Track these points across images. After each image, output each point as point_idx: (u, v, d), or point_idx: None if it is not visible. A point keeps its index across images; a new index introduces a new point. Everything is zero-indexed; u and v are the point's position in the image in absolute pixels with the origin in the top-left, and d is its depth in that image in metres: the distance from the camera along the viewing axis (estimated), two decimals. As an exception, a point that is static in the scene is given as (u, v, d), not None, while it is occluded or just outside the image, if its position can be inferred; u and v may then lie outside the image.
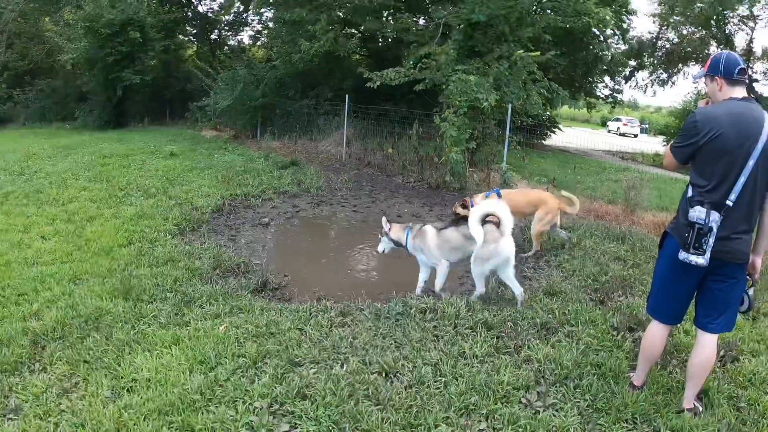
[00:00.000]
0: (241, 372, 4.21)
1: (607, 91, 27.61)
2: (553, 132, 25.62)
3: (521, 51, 12.59)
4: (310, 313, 5.31)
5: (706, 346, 3.75)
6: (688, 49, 26.20)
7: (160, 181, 10.42)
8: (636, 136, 41.72)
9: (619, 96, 27.59)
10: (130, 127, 21.91)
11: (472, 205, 6.44)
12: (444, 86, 12.44)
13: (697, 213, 3.40)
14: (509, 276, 5.54)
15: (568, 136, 24.05)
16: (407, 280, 6.64)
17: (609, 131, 43.98)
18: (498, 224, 5.47)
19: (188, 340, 4.61)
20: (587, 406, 3.89)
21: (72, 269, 6.07)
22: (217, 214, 8.88)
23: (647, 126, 47.75)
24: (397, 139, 14.28)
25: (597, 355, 4.56)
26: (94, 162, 12.14)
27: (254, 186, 10.55)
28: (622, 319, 5.27)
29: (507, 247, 5.39)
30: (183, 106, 22.38)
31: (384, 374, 4.21)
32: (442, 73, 12.62)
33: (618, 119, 45.24)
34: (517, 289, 5.57)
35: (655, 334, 3.93)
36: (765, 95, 24.83)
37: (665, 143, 27.14)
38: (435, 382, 4.08)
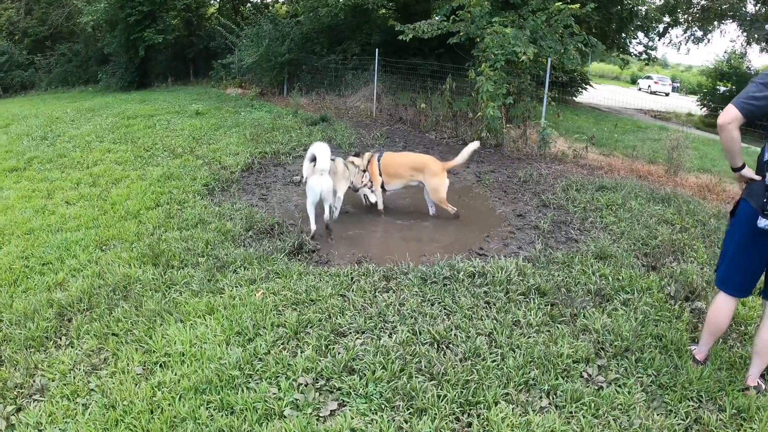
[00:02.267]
0: (282, 344, 3.86)
1: (640, 48, 26.16)
2: (585, 89, 24.52)
3: (559, 3, 11.69)
4: (352, 278, 4.95)
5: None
6: (725, 6, 24.40)
7: (186, 141, 10.01)
8: (667, 95, 39.69)
9: (653, 53, 26.11)
10: (154, 88, 21.54)
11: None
12: (479, 39, 11.78)
13: None
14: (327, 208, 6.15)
15: (598, 94, 23.10)
16: (451, 241, 6.22)
17: (639, 89, 42.22)
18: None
19: (223, 309, 4.25)
20: (651, 382, 3.62)
21: (98, 235, 5.74)
22: (246, 173, 8.46)
23: (678, 85, 45.72)
24: (429, 95, 13.64)
25: (656, 326, 4.28)
26: (118, 123, 11.79)
27: (284, 143, 10.07)
28: (677, 288, 4.97)
29: (316, 183, 5.94)
30: (206, 65, 21.79)
31: (436, 345, 3.87)
32: (477, 25, 11.84)
33: (649, 77, 43.23)
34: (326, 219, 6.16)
35: (722, 306, 3.69)
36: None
37: (699, 103, 25.67)
38: (491, 354, 3.77)
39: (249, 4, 26.78)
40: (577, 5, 11.53)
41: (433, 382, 3.45)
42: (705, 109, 24.19)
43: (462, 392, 3.35)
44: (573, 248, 6.05)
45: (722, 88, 24.93)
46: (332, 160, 6.31)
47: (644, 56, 25.97)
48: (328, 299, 4.50)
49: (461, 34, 11.99)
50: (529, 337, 4.01)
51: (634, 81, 44.93)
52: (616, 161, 11.31)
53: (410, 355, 3.72)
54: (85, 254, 5.28)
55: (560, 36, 11.94)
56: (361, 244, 6.10)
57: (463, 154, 6.89)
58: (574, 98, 23.74)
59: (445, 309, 4.40)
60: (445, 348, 3.85)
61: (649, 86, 42.12)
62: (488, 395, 3.32)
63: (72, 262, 5.11)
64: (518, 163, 10.80)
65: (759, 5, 23.22)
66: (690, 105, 26.91)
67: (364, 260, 5.64)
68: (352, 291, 4.66)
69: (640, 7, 22.08)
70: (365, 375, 3.49)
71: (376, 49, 14.01)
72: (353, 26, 17.00)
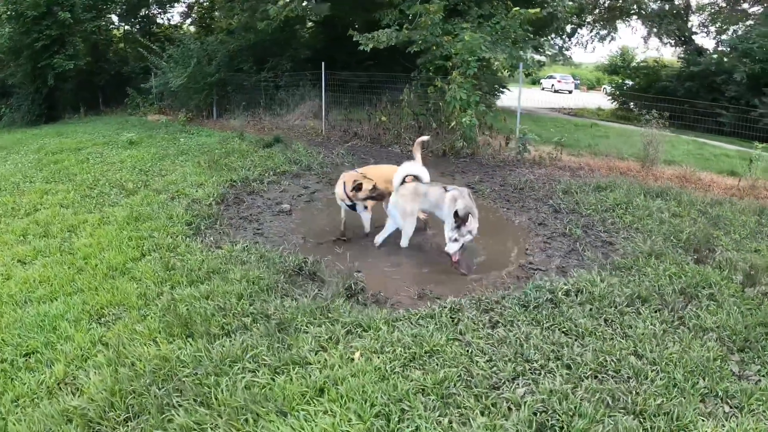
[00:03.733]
0: (440, 415, 2.89)
1: (554, 50, 27.08)
2: (502, 92, 24.83)
3: (517, 8, 11.44)
4: (452, 318, 4.09)
5: None
6: (630, 3, 25.86)
7: (133, 174, 8.37)
8: (570, 92, 41.50)
9: (568, 53, 27.18)
10: (65, 120, 18.61)
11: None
12: (434, 47, 11.31)
13: None
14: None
15: (509, 96, 23.64)
16: (493, 256, 5.89)
17: (543, 89, 43.85)
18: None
19: (334, 384, 3.02)
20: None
21: (86, 303, 4.26)
22: (222, 206, 7.09)
23: (579, 82, 48.24)
24: (384, 107, 12.81)
25: (753, 314, 4.37)
26: (43, 160, 9.75)
27: (248, 169, 8.72)
28: (742, 277, 5.14)
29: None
30: (118, 92, 19.32)
31: (595, 375, 3.40)
32: (432, 33, 11.25)
33: (552, 76, 44.95)
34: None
35: None
36: (704, 47, 25.08)
37: (609, 97, 26.87)
38: (652, 371, 3.50)
39: (155, 26, 24.41)
40: (538, 10, 11.31)
41: (632, 416, 3.02)
42: (615, 102, 25.28)
43: (665, 420, 3.01)
44: (616, 251, 6.07)
45: (629, 82, 26.16)
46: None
47: (560, 57, 26.84)
48: (445, 347, 3.59)
49: (420, 42, 11.31)
50: (665, 347, 3.81)
51: (535, 81, 46.77)
52: (591, 161, 11.16)
53: (588, 393, 3.20)
54: (80, 332, 3.81)
55: (513, 41, 11.72)
56: (401, 275, 5.30)
57: (416, 153, 6.56)
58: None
59: (569, 334, 3.98)
60: (608, 377, 3.42)
61: (553, 85, 43.37)
62: (686, 415, 3.03)
63: (67, 347, 3.64)
64: (500, 170, 10.27)
65: (662, 1, 24.74)
66: (598, 100, 28.11)
67: (425, 294, 4.79)
68: (460, 332, 3.86)
69: (558, 9, 22.74)
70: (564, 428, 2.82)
71: (323, 63, 12.93)
72: (281, 42, 15.81)
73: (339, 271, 4.92)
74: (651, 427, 2.95)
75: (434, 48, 11.36)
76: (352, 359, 3.41)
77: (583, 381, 3.31)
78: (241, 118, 14.00)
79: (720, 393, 3.31)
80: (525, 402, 3.00)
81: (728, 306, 4.46)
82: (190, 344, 3.55)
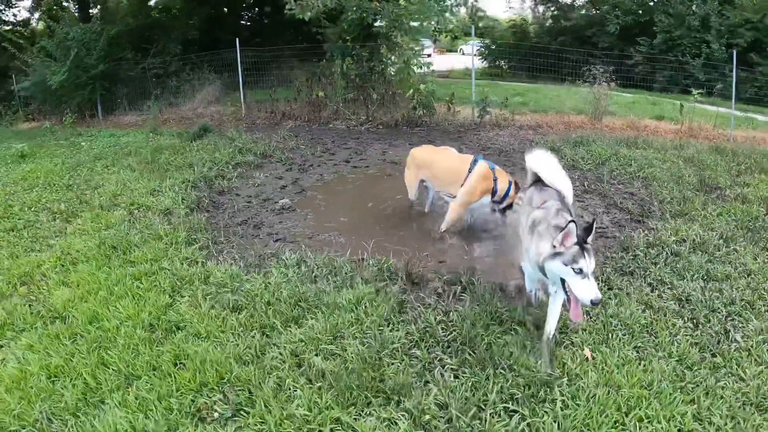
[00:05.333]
0: None
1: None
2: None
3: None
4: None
5: None
6: None
7: (53, 192, 6.24)
8: (429, 56, 41.93)
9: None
10: None
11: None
12: (365, 14, 10.09)
13: None
14: None
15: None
16: None
17: (463, 53, 44.01)
18: None
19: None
20: None
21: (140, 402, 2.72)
22: (201, 213, 5.49)
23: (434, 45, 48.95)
24: (295, 84, 11.40)
25: None
26: None
27: (200, 165, 6.98)
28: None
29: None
30: None
31: None
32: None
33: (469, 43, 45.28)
34: None
35: None
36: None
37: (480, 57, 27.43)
38: None
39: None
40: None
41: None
42: (485, 61, 25.88)
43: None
44: (644, 201, 6.08)
45: (484, 42, 26.84)
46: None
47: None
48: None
49: (355, 9, 10.04)
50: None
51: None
52: (542, 118, 10.89)
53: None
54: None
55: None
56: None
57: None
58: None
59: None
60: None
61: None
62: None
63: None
64: (466, 135, 9.61)
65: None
66: (455, 61, 28.32)
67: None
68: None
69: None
70: None
71: (236, 39, 11.05)
72: (164, 24, 13.50)
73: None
74: None
75: (365, 15, 10.22)
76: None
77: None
78: (135, 113, 11.64)
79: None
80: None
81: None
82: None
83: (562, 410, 2.61)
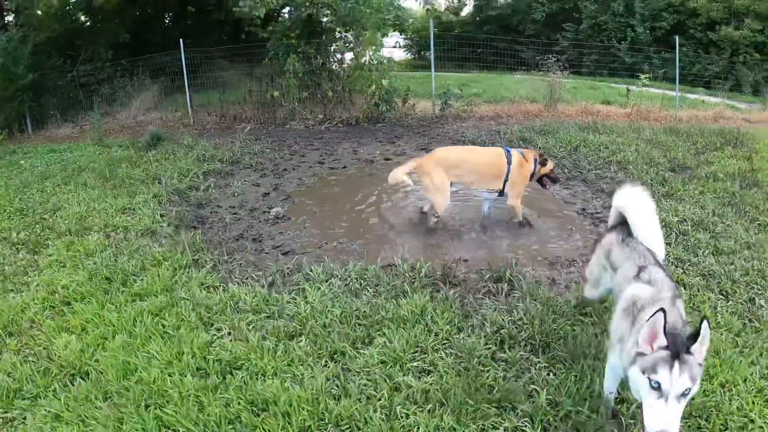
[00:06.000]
0: None
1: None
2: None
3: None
4: None
5: None
6: None
7: (2, 220, 5.41)
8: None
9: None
10: None
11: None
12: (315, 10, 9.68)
13: None
14: None
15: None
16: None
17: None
18: None
19: None
20: None
21: None
22: (188, 230, 4.93)
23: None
24: (238, 86, 10.82)
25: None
26: None
27: (168, 180, 6.34)
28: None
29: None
30: None
31: None
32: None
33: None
34: None
35: None
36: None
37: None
38: None
39: None
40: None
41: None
42: (409, 53, 26.29)
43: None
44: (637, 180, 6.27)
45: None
46: None
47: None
48: None
49: (308, 4, 9.55)
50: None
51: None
52: (500, 108, 10.95)
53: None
54: None
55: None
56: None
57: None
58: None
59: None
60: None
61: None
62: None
63: None
64: (430, 129, 9.55)
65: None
66: None
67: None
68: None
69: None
70: None
71: (181, 41, 10.21)
72: (91, 28, 12.37)
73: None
74: None
75: (315, 11, 9.78)
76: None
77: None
78: (69, 126, 10.49)
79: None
80: None
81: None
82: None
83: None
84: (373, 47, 8.87)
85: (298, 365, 2.80)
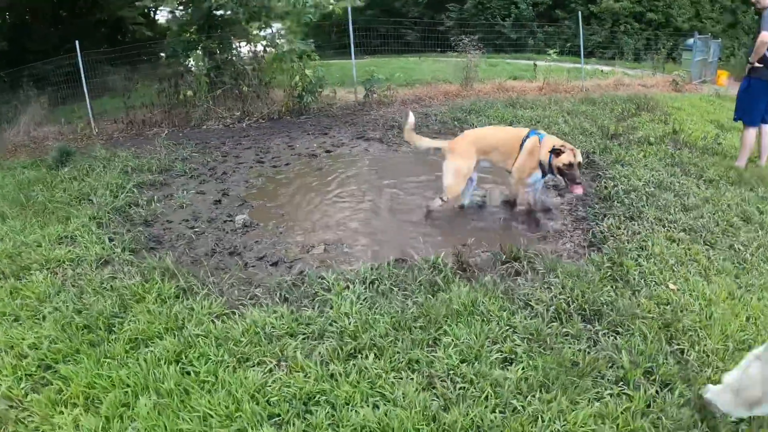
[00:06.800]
0: None
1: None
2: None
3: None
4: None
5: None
6: None
7: None
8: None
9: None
10: None
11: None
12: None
13: None
14: None
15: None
16: None
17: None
18: None
19: None
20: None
21: None
22: (150, 254, 4.35)
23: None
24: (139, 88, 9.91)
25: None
26: None
27: (101, 198, 5.57)
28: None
29: None
30: None
31: None
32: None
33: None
34: None
35: (752, 134, 6.19)
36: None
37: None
38: None
39: None
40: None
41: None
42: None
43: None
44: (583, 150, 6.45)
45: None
46: None
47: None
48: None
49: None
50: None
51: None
52: (420, 90, 10.98)
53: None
54: None
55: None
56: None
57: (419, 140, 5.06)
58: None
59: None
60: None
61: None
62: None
63: None
64: (358, 116, 9.32)
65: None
66: None
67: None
68: None
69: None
70: None
71: (77, 43, 9.01)
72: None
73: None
74: None
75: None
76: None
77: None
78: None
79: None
80: None
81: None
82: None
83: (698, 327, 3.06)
84: (294, 36, 8.43)
85: (381, 384, 2.54)
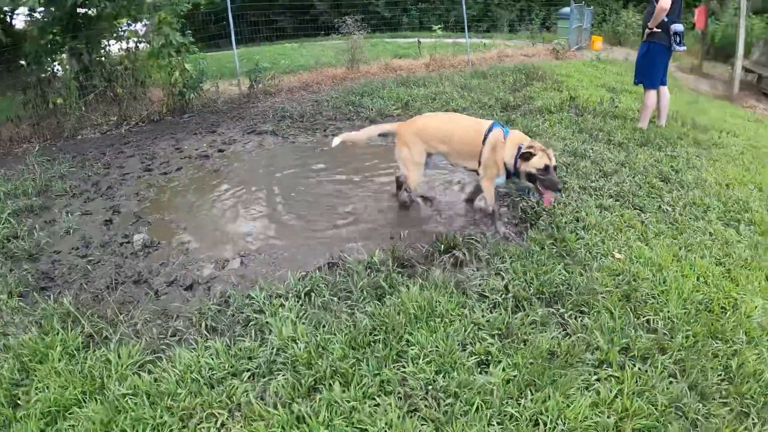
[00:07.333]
0: None
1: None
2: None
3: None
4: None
5: (666, 94, 6.65)
6: None
7: None
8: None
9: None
10: None
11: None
12: None
13: (678, 27, 6.12)
14: None
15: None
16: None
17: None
18: None
19: None
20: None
21: None
22: (43, 296, 3.86)
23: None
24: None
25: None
26: None
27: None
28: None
29: None
30: None
31: None
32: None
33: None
34: None
35: (653, 96, 6.54)
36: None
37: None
38: None
39: None
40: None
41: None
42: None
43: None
44: None
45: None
46: None
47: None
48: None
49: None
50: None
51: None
52: (305, 77, 10.74)
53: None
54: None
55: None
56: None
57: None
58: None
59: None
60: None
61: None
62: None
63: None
64: (245, 109, 8.91)
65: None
66: None
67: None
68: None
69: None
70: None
71: None
72: None
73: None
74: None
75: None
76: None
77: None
78: None
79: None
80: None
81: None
82: None
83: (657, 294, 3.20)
84: (170, 29, 7.80)
85: (359, 418, 2.28)
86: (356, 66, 10.86)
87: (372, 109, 7.78)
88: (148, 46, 8.37)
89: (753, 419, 2.39)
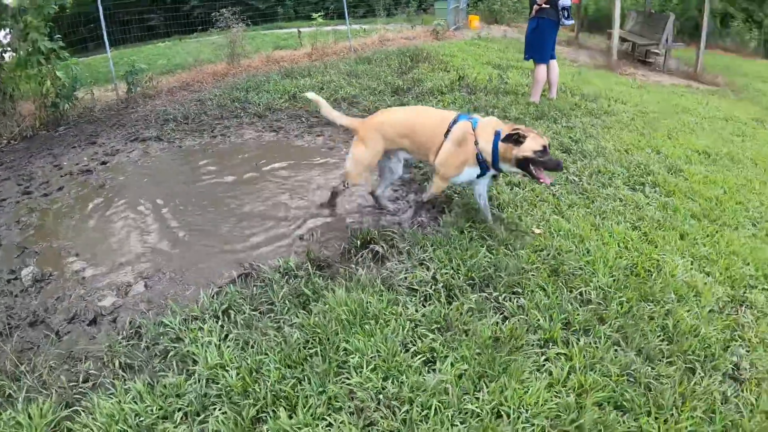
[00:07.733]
0: None
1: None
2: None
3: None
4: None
5: (556, 68, 7.03)
6: None
7: None
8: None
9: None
10: None
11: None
12: None
13: (566, 2, 6.42)
14: None
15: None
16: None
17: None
18: None
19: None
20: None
21: None
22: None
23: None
24: None
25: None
26: None
27: None
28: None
29: None
30: None
31: None
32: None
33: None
34: None
35: (544, 70, 6.85)
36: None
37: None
38: None
39: None
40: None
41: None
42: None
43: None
44: None
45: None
46: None
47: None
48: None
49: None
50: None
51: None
52: (184, 76, 10.38)
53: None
54: None
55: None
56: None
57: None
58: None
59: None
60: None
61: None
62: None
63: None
64: (125, 115, 8.38)
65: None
66: None
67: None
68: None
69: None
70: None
71: None
72: None
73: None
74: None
75: None
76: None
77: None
78: None
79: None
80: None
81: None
82: None
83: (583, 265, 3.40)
84: (38, 34, 7.13)
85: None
86: (237, 60, 10.51)
87: (260, 105, 7.63)
88: (14, 55, 7.63)
89: (699, 373, 2.59)
